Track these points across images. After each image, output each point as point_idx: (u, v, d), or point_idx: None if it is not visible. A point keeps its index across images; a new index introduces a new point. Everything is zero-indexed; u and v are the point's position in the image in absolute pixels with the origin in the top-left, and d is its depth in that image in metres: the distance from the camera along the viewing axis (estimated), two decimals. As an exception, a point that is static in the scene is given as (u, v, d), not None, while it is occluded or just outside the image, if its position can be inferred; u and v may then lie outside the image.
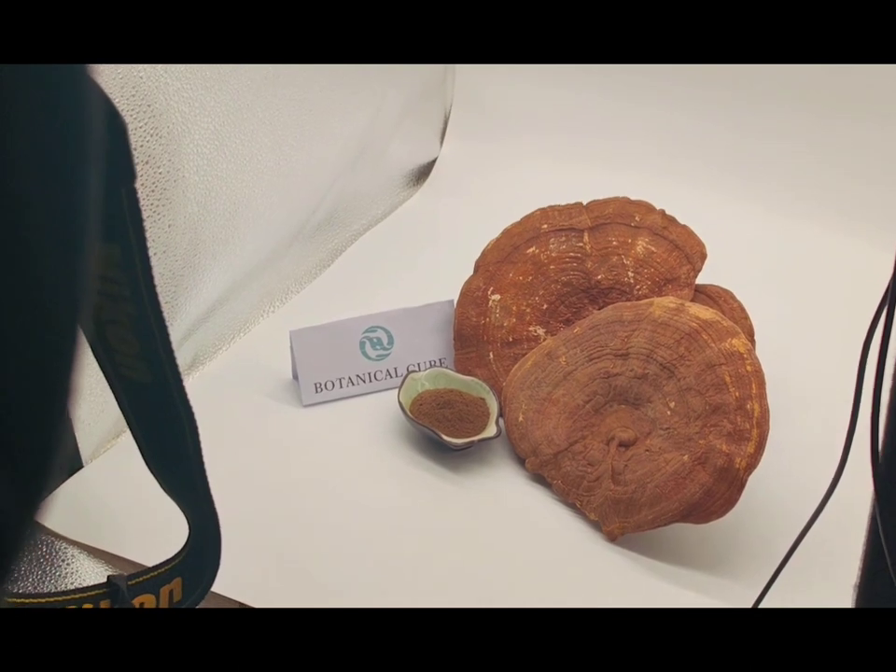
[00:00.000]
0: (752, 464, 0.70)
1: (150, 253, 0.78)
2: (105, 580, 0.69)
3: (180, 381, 0.47)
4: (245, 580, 0.68)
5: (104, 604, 0.55)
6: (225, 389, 0.87)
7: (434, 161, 1.24)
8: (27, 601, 0.53)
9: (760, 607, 0.53)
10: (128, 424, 0.51)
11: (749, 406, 0.71)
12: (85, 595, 0.54)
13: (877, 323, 0.43)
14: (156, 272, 0.78)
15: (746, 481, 0.70)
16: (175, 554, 0.56)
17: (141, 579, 0.55)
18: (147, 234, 0.77)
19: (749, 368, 0.72)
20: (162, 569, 0.56)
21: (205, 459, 0.77)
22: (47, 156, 0.22)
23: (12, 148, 0.21)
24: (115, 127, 0.38)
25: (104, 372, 0.48)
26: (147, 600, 0.55)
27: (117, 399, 0.49)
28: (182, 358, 0.86)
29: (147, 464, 0.52)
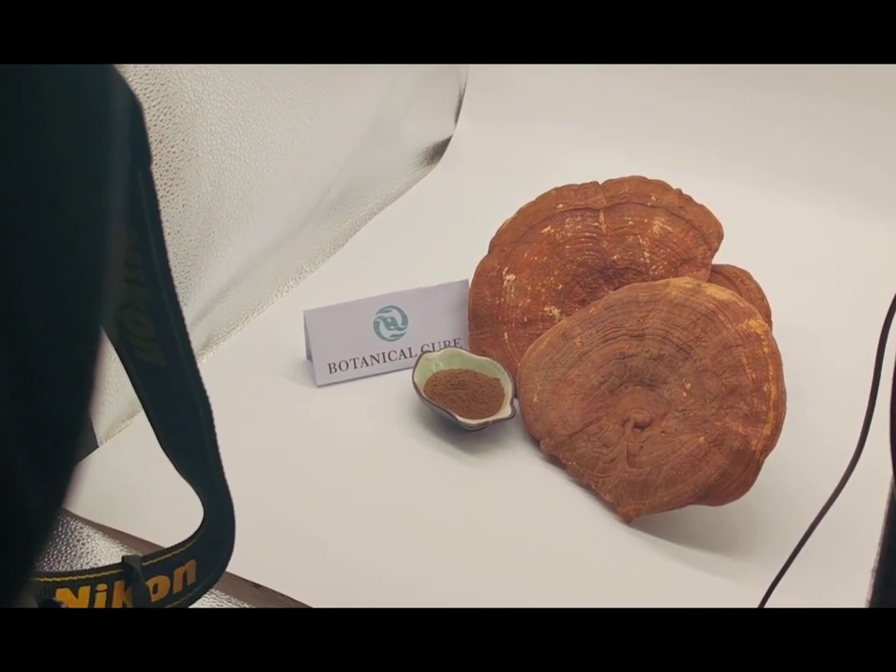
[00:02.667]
0: (769, 446, 0.69)
1: (164, 233, 0.78)
2: (119, 560, 0.69)
3: (195, 365, 0.47)
4: (259, 559, 0.68)
5: (118, 584, 0.55)
6: (239, 369, 0.87)
7: (449, 140, 1.24)
8: (42, 580, 0.53)
9: (774, 590, 0.53)
10: (143, 408, 0.50)
11: (765, 388, 0.70)
12: (100, 575, 0.54)
13: (896, 306, 0.43)
14: (170, 252, 0.78)
15: (762, 463, 0.69)
16: (190, 537, 0.56)
17: (155, 560, 0.55)
18: (161, 215, 0.77)
19: (765, 349, 0.71)
20: (177, 551, 0.56)
21: (219, 439, 0.77)
22: (75, 141, 0.22)
23: (41, 133, 0.21)
24: (131, 109, 0.38)
25: (118, 355, 0.48)
26: (160, 582, 0.55)
27: (132, 382, 0.49)
28: (196, 338, 0.86)
29: (162, 447, 0.52)
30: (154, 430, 0.52)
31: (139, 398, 0.50)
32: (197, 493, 0.53)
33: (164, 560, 0.55)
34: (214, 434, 0.50)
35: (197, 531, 0.56)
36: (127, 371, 0.49)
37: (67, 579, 0.53)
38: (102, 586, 0.54)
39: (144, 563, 0.55)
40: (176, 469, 0.53)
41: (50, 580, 0.53)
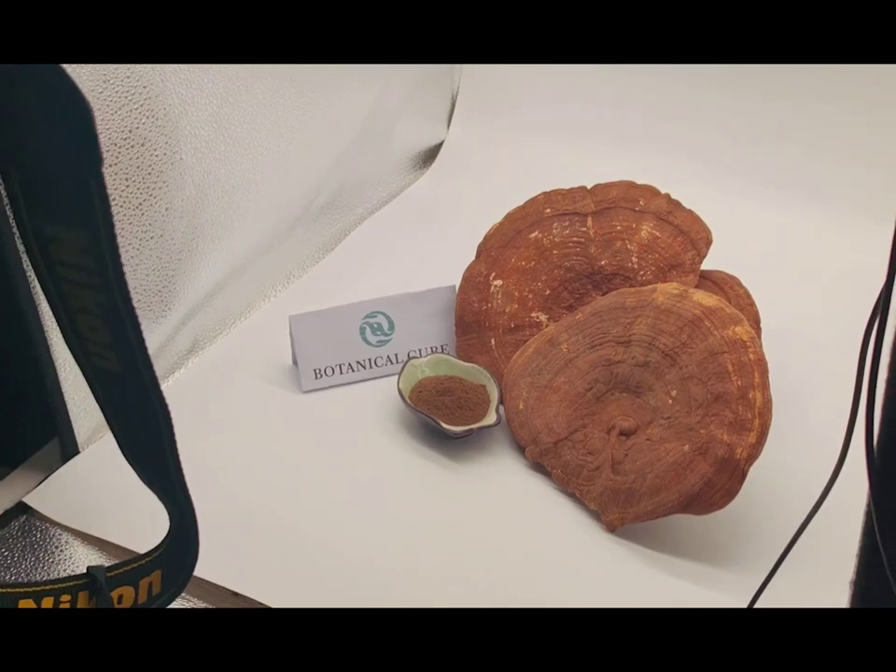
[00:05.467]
0: (754, 454, 0.68)
1: (147, 237, 0.78)
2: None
3: (152, 372, 0.47)
4: (238, 566, 0.67)
5: (82, 595, 0.54)
6: (224, 374, 0.86)
7: (441, 144, 1.23)
8: (4, 591, 0.53)
9: (758, 600, 0.53)
10: (104, 415, 0.50)
11: (751, 395, 0.69)
12: (63, 585, 0.54)
13: (877, 313, 0.42)
14: (153, 256, 0.78)
15: (747, 472, 0.68)
16: (156, 547, 0.56)
17: (120, 570, 0.55)
18: (143, 218, 0.76)
19: (751, 356, 0.70)
20: (142, 561, 0.55)
21: (203, 444, 0.77)
22: None
23: None
24: (79, 113, 0.38)
25: (77, 361, 0.48)
26: (125, 592, 0.54)
27: (91, 390, 0.49)
28: (181, 343, 0.86)
29: (125, 457, 0.52)
30: (116, 439, 0.52)
31: (99, 406, 0.49)
32: (162, 503, 0.53)
33: (130, 570, 0.55)
34: (174, 445, 0.50)
35: (163, 541, 0.55)
36: (86, 378, 0.48)
37: (30, 590, 0.53)
38: (65, 597, 0.54)
39: (109, 573, 0.54)
40: (140, 479, 0.52)
41: (13, 590, 0.52)
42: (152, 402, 0.48)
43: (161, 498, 0.53)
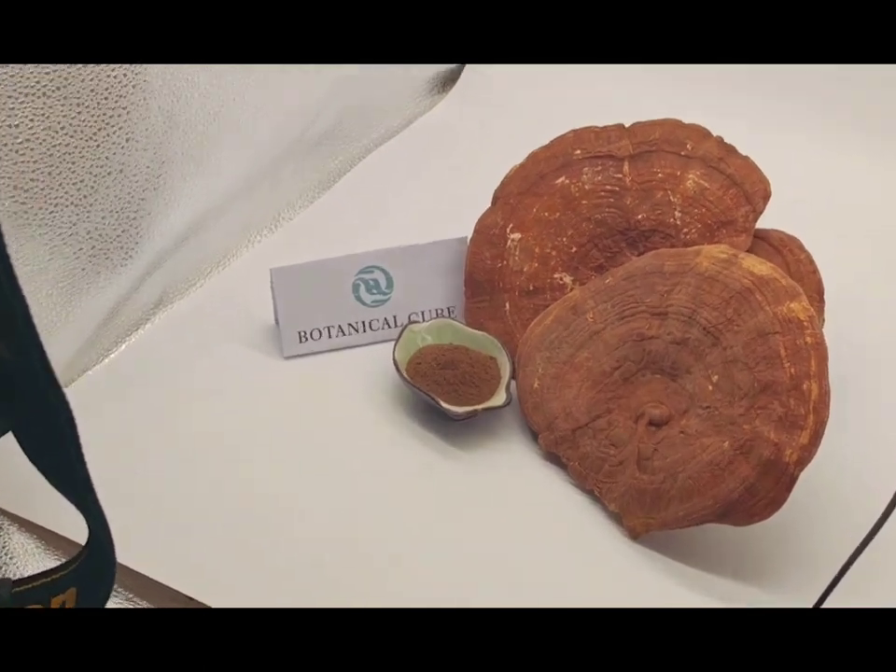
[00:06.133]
0: (805, 457, 0.61)
1: (104, 173, 0.71)
2: (39, 558, 0.63)
3: (48, 364, 0.40)
4: (198, 565, 0.62)
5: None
6: (195, 333, 0.80)
7: (463, 65, 1.14)
8: None
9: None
10: (-3, 409, 0.44)
11: (805, 386, 0.61)
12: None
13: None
14: (111, 195, 0.70)
15: (797, 477, 0.61)
16: (71, 560, 0.50)
17: (29, 585, 0.49)
18: (99, 151, 0.71)
19: (808, 339, 0.62)
20: (55, 576, 0.49)
21: (169, 413, 0.73)
22: None
23: None
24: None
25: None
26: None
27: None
28: (146, 296, 0.79)
29: (29, 460, 0.46)
30: (17, 440, 0.46)
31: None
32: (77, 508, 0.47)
33: (40, 586, 0.49)
34: (80, 451, 0.43)
35: (79, 554, 0.49)
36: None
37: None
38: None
39: (15, 588, 0.48)
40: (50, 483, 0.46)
41: None
42: (49, 399, 0.41)
43: (77, 507, 0.47)
